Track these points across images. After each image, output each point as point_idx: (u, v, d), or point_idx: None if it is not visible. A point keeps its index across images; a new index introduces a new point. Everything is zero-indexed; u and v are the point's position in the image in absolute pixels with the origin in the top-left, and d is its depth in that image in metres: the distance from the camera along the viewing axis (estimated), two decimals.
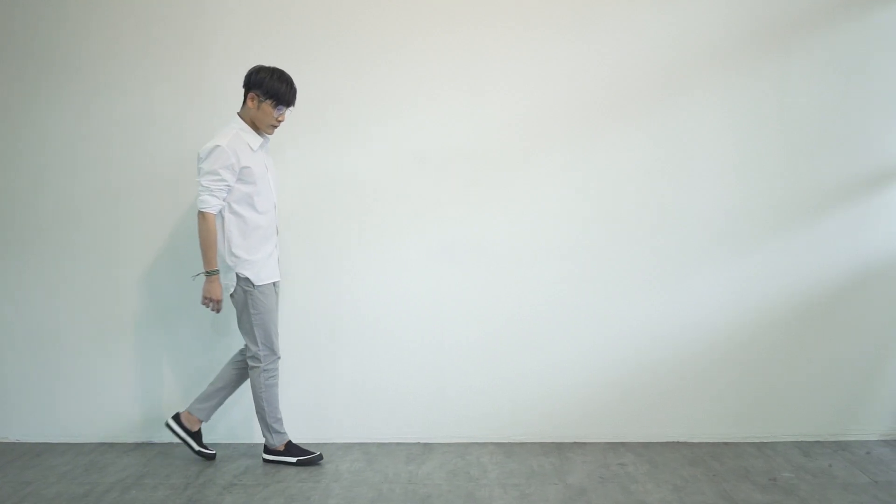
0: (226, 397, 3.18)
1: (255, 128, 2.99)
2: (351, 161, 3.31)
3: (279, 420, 3.10)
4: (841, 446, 3.17)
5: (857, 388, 3.24)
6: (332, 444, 3.33)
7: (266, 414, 3.06)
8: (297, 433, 3.34)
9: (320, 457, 3.12)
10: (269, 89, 2.92)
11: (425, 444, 3.31)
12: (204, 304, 2.98)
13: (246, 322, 3.01)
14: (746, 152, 3.20)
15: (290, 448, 3.12)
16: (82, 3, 3.37)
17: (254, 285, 2.96)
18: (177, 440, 3.15)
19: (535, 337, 3.28)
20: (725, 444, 3.23)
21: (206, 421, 3.16)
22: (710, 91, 3.20)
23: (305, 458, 3.10)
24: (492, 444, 3.26)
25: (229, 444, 3.36)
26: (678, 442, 3.26)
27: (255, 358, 3.02)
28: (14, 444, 3.47)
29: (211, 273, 2.92)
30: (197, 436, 3.14)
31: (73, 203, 3.41)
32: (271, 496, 2.81)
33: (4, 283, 3.45)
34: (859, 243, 3.20)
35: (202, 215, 2.88)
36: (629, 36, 3.21)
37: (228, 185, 2.90)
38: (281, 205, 3.29)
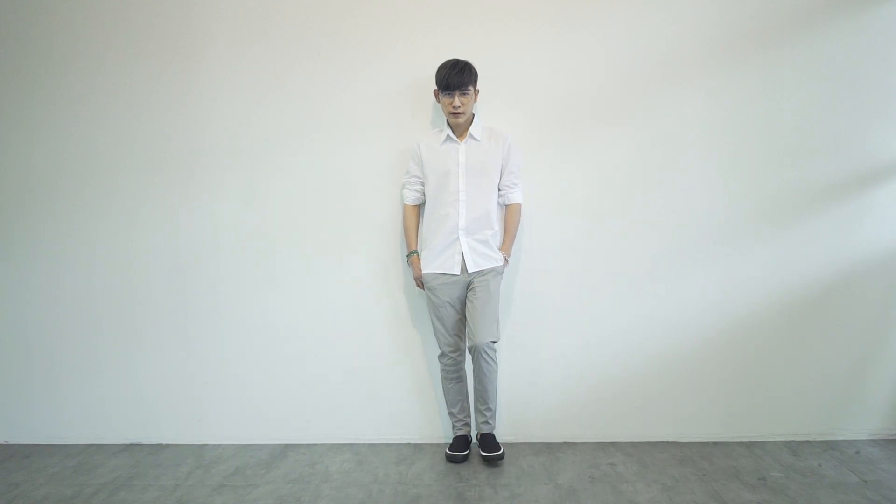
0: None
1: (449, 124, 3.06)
2: (344, 162, 3.31)
3: None
4: (830, 446, 3.18)
5: (846, 387, 3.25)
6: (322, 444, 3.33)
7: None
8: (287, 433, 3.35)
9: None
10: (437, 78, 2.98)
11: (415, 445, 3.31)
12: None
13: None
14: (736, 152, 3.21)
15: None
16: (72, 7, 3.36)
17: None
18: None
19: (525, 337, 3.29)
20: (715, 443, 3.24)
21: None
22: (700, 91, 3.20)
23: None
24: None
25: (219, 445, 3.36)
26: (668, 442, 3.27)
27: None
28: (3, 445, 3.47)
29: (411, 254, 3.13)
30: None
31: (59, 207, 3.41)
32: (261, 497, 2.80)
33: None
34: (848, 243, 3.20)
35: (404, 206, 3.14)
36: (619, 35, 3.21)
37: (417, 178, 3.10)
38: (276, 208, 3.30)
